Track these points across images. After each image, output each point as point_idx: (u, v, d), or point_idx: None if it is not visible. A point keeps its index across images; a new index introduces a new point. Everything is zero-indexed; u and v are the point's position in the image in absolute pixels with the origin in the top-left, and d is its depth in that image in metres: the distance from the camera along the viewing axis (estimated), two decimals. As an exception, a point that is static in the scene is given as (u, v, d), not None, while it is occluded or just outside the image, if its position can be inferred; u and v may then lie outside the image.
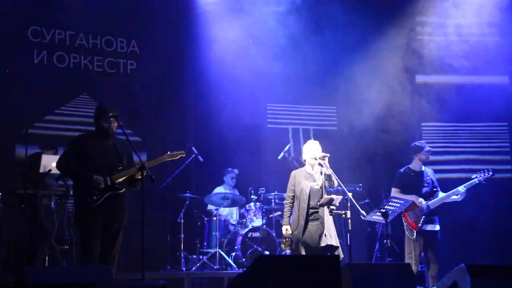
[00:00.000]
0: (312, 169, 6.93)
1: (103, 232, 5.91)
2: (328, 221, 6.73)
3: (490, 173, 7.66)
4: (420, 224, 7.60)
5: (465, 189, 7.60)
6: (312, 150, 6.91)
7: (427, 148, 7.93)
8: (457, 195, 7.63)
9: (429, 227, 7.66)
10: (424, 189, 7.77)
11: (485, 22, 10.12)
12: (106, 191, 5.87)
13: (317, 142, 7.03)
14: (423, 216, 7.61)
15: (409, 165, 7.95)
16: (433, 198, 7.68)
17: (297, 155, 8.29)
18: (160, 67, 10.00)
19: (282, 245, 6.95)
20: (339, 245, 6.78)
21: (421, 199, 7.62)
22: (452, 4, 9.95)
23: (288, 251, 7.05)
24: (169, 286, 4.93)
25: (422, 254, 7.67)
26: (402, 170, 7.97)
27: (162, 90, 9.96)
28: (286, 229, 6.83)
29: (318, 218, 6.74)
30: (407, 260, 7.58)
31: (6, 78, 8.92)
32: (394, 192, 7.84)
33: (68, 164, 5.96)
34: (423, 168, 7.92)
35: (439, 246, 7.74)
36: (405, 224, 7.70)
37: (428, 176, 7.87)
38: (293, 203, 6.91)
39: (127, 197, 6.12)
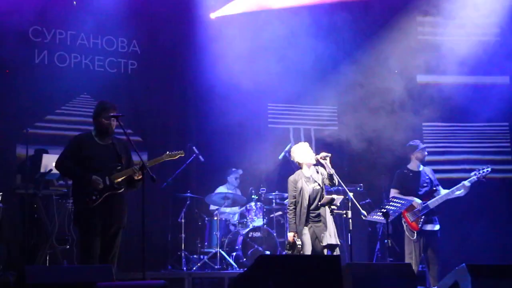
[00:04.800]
0: (308, 169, 6.92)
1: (103, 232, 5.90)
2: (329, 220, 6.73)
3: (489, 169, 7.66)
4: (420, 224, 7.61)
5: (469, 184, 7.59)
6: (309, 152, 6.92)
7: (422, 146, 7.94)
8: (460, 190, 7.61)
9: (429, 227, 7.66)
10: (423, 189, 7.77)
11: (486, 22, 10.11)
12: (105, 191, 5.87)
13: (307, 143, 7.05)
14: (423, 216, 7.61)
15: (407, 165, 7.96)
16: (433, 198, 7.68)
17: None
18: (161, 67, 10.00)
19: (289, 252, 6.84)
20: (338, 242, 6.77)
21: (419, 201, 7.63)
22: (453, 4, 9.95)
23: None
24: (170, 286, 4.93)
25: (422, 254, 7.67)
26: (400, 170, 7.98)
27: (162, 90, 9.95)
28: (294, 235, 6.76)
29: (320, 220, 6.72)
30: (407, 261, 7.57)
31: (6, 78, 8.91)
32: (393, 192, 7.85)
33: (66, 164, 5.95)
34: (422, 167, 7.92)
35: (439, 245, 7.74)
36: (405, 224, 7.70)
37: (427, 175, 7.87)
38: (296, 208, 6.85)
39: (126, 197, 6.12)
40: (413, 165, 7.94)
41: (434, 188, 7.79)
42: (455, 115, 10.25)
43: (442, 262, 7.65)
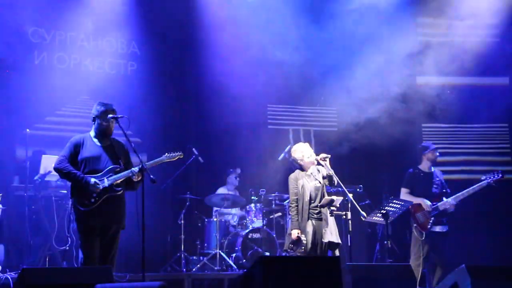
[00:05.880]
0: (309, 168, 6.92)
1: (102, 233, 5.89)
2: (330, 219, 6.72)
3: (500, 175, 7.66)
4: (429, 225, 7.61)
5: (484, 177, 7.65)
6: (309, 151, 6.91)
7: (433, 147, 7.95)
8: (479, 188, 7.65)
9: (438, 229, 7.67)
10: (434, 190, 7.77)
11: (486, 23, 10.12)
12: (104, 193, 5.86)
13: (307, 143, 7.05)
14: (432, 218, 7.61)
15: (418, 166, 7.97)
16: (442, 200, 7.67)
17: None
18: (160, 68, 10.00)
19: (290, 250, 6.80)
20: (340, 241, 6.76)
21: (428, 203, 7.63)
22: (453, 5, 9.95)
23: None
24: (169, 287, 4.92)
25: (429, 255, 7.66)
26: (411, 170, 7.98)
27: (162, 91, 9.95)
28: (298, 233, 6.74)
29: (322, 217, 6.72)
30: (412, 261, 7.57)
31: (6, 78, 8.91)
32: (404, 192, 7.84)
33: (65, 166, 5.93)
34: (433, 169, 7.92)
35: (447, 248, 7.73)
36: (414, 224, 7.70)
37: (438, 177, 7.88)
38: (298, 205, 6.84)
39: (125, 198, 6.11)
40: (424, 166, 7.95)
41: (444, 191, 7.80)
42: (455, 116, 10.25)
43: (448, 263, 7.62)
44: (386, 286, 5.50)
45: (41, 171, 7.89)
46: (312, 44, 9.82)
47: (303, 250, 6.63)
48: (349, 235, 6.61)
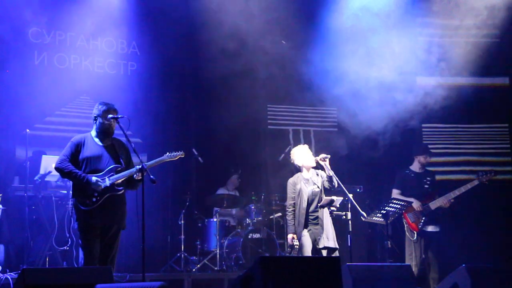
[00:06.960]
0: (308, 172, 6.93)
1: (102, 233, 5.89)
2: (327, 223, 6.73)
3: (492, 173, 7.67)
4: (420, 225, 7.61)
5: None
6: (308, 155, 6.92)
7: (428, 153, 7.94)
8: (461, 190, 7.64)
9: (430, 228, 7.67)
10: (425, 190, 7.77)
11: (486, 23, 10.11)
12: (105, 192, 5.86)
13: (307, 146, 7.07)
14: (424, 217, 7.61)
15: (409, 166, 7.96)
16: (434, 199, 7.68)
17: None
18: (161, 68, 9.99)
19: (288, 254, 6.85)
20: (337, 246, 6.77)
21: (418, 203, 7.63)
22: (453, 5, 9.95)
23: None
24: (169, 287, 4.92)
25: (423, 255, 7.66)
26: (402, 171, 7.98)
27: (162, 91, 9.95)
28: (293, 238, 6.76)
29: (318, 222, 6.72)
30: (407, 262, 7.58)
31: (6, 79, 8.91)
32: (395, 193, 7.86)
33: (66, 165, 5.93)
34: (425, 169, 7.92)
35: (440, 247, 7.73)
36: (405, 225, 7.70)
37: (429, 177, 7.87)
38: (295, 210, 6.86)
39: (126, 198, 6.11)
40: (415, 167, 7.95)
41: (436, 190, 7.79)
42: (455, 116, 10.24)
43: (442, 264, 7.64)
44: (386, 286, 5.50)
45: (41, 171, 7.89)
46: (312, 44, 9.81)
47: (298, 254, 6.66)
48: (349, 236, 6.61)
